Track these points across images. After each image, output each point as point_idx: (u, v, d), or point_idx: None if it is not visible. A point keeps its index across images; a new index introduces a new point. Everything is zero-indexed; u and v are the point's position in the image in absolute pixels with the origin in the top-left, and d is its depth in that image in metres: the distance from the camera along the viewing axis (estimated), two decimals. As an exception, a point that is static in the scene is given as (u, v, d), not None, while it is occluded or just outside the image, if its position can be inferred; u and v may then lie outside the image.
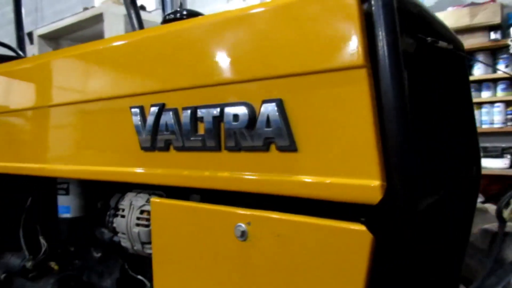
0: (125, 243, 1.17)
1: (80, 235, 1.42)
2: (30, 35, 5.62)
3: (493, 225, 1.40)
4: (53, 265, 1.57)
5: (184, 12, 1.31)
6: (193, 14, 1.23)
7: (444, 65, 1.22)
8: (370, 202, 0.71)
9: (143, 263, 1.29)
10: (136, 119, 1.05)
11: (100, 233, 1.35)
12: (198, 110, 0.93)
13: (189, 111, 0.94)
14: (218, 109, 0.90)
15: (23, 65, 1.46)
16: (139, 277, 1.28)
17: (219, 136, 0.90)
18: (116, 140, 1.12)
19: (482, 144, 1.36)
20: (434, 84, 1.24)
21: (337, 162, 0.75)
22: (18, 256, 1.58)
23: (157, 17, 5.31)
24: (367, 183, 0.71)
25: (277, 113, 0.81)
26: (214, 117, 0.90)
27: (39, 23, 6.00)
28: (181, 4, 2.25)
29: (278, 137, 0.81)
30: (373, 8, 0.72)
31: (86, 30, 5.02)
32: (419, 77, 1.16)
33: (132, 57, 1.09)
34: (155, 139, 1.01)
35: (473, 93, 4.00)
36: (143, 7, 5.19)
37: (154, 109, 1.01)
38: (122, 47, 1.13)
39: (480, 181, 1.28)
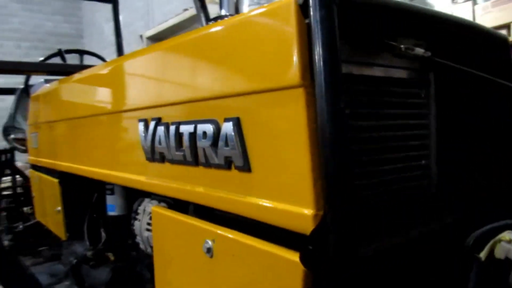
0: (141, 245, 1.25)
1: (123, 231, 1.55)
2: (141, 37, 6.19)
3: None
4: (110, 255, 1.74)
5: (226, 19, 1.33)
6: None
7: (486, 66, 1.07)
8: (303, 232, 0.67)
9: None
10: (141, 131, 1.11)
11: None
12: (181, 126, 0.96)
13: (174, 126, 0.97)
14: (193, 126, 0.91)
15: (69, 80, 1.64)
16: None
17: (195, 152, 0.92)
18: (131, 149, 1.20)
19: None
20: (471, 88, 1.10)
21: (282, 186, 0.72)
22: (82, 245, 1.79)
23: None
24: (301, 211, 0.67)
25: (233, 132, 0.80)
26: (190, 133, 0.92)
27: (150, 25, 6.52)
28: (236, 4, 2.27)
29: (235, 156, 0.80)
30: (312, 23, 0.67)
31: (186, 30, 5.35)
32: (451, 78, 1.04)
33: (138, 73, 1.16)
34: (154, 151, 1.06)
35: None
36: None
37: (152, 123, 1.06)
38: (133, 62, 1.20)
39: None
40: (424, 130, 1.11)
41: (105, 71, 1.37)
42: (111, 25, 3.71)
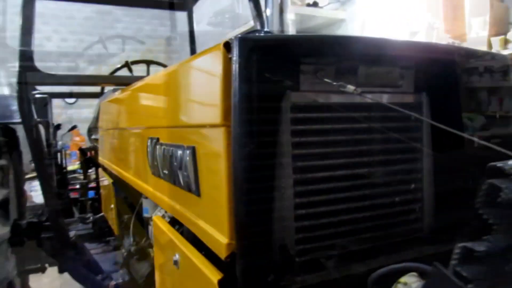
0: (154, 247, 1.40)
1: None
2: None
3: None
4: (151, 251, 1.93)
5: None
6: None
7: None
8: (221, 257, 0.74)
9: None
10: (148, 148, 1.25)
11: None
12: (167, 147, 1.07)
13: (163, 147, 1.09)
14: (171, 149, 1.02)
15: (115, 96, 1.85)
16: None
17: (173, 172, 1.02)
18: (144, 163, 1.35)
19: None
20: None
21: (214, 214, 0.80)
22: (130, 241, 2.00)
23: (330, 12, 5.37)
24: (220, 238, 0.74)
25: (188, 159, 0.89)
26: (170, 156, 1.03)
27: (235, 26, 6.77)
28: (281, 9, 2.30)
29: (191, 181, 0.89)
30: (232, 69, 0.73)
31: (265, 31, 5.47)
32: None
33: (147, 96, 1.30)
34: (154, 166, 1.19)
35: None
36: (315, 3, 5.32)
37: (153, 142, 1.19)
38: (146, 86, 1.34)
39: None
40: (413, 154, 1.10)
41: (133, 91, 1.54)
42: (200, 27, 4.04)
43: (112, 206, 2.05)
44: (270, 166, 0.75)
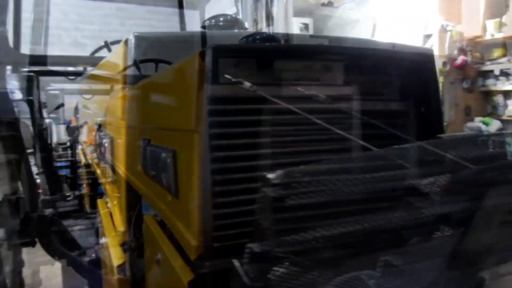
0: (147, 245, 1.43)
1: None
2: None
3: None
4: (151, 248, 1.98)
5: (258, 37, 1.44)
6: (267, 38, 1.31)
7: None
8: (191, 258, 0.77)
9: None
10: (140, 148, 1.28)
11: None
12: (154, 148, 1.10)
13: (152, 148, 1.12)
14: (158, 151, 1.05)
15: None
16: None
17: (158, 173, 1.05)
18: (137, 162, 1.38)
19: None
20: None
21: (189, 217, 0.82)
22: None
23: (344, 12, 5.34)
24: (191, 240, 0.77)
25: (168, 161, 0.92)
26: (157, 157, 1.05)
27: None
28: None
29: (170, 183, 0.92)
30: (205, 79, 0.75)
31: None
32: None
33: (138, 99, 1.33)
34: (145, 166, 1.22)
35: None
36: (330, 3, 5.30)
37: (145, 142, 1.22)
38: (144, 87, 1.38)
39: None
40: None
41: (131, 91, 1.58)
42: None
43: (115, 202, 2.10)
44: (236, 170, 0.77)
